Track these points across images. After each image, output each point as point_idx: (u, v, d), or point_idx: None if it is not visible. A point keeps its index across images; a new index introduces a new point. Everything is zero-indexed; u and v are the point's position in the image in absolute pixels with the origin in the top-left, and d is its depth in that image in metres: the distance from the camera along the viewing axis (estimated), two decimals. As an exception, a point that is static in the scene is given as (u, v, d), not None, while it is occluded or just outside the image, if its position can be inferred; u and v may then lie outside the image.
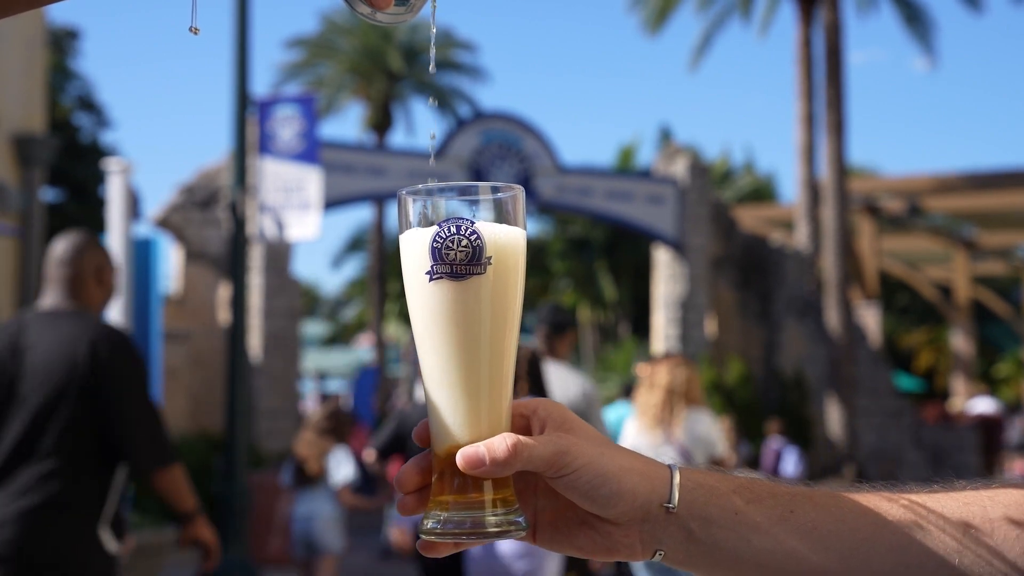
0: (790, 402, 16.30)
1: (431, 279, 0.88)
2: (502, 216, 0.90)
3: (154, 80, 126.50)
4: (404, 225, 0.92)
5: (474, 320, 0.89)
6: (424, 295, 0.89)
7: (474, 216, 0.89)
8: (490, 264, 0.88)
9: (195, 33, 0.88)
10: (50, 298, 3.61)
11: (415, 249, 0.89)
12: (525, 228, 0.92)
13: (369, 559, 11.18)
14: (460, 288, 0.88)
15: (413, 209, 0.91)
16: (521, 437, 0.89)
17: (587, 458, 0.89)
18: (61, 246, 3.63)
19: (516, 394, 3.58)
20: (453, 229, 0.88)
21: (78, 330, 3.50)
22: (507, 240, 0.90)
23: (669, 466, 0.93)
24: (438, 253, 0.88)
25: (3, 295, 11.75)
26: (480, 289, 0.88)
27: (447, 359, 0.90)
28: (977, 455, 16.93)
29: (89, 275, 3.63)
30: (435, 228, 0.88)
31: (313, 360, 30.95)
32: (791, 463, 13.46)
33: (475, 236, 0.88)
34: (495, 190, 0.90)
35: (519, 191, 0.92)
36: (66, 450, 3.41)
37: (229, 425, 8.35)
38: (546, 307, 6.21)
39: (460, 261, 0.88)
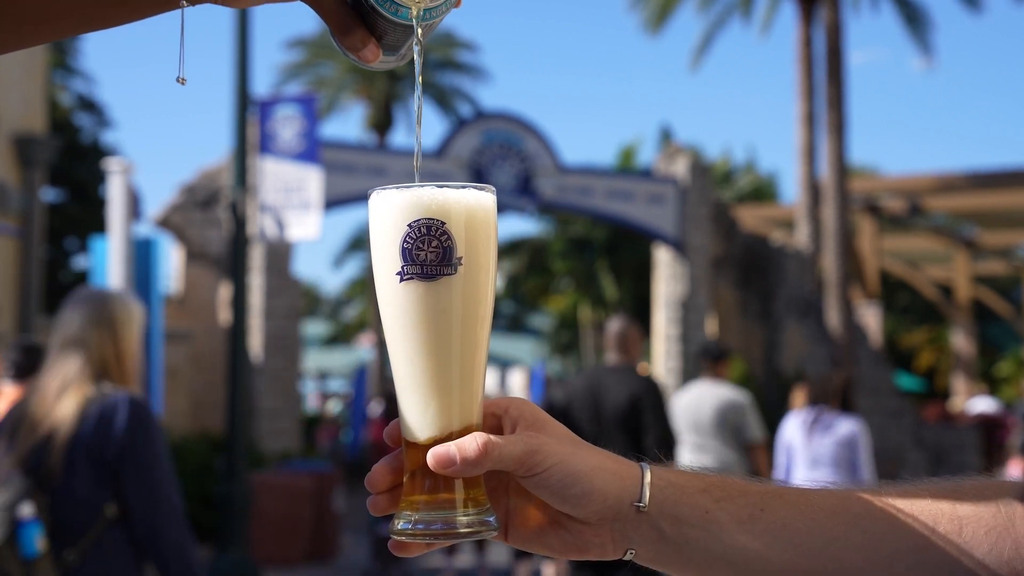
0: (791, 402, 16.29)
1: (402, 280, 0.88)
2: None
3: (154, 80, 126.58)
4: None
5: (445, 320, 0.89)
6: (395, 295, 0.89)
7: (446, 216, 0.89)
8: (461, 264, 0.88)
9: (182, 83, 0.89)
10: (612, 356, 6.02)
11: (386, 249, 0.89)
12: (496, 227, 0.92)
13: (368, 557, 11.19)
14: (431, 288, 0.88)
15: None
16: (492, 436, 0.89)
17: (558, 457, 0.89)
18: (616, 325, 6.05)
19: (826, 410, 5.45)
20: (424, 230, 0.88)
21: (631, 376, 5.88)
22: (478, 239, 0.90)
23: (640, 465, 0.94)
24: (408, 253, 0.88)
25: (4, 295, 11.76)
26: (451, 289, 0.88)
27: (418, 359, 0.90)
28: (978, 455, 16.91)
29: (632, 342, 6.01)
30: (406, 228, 0.88)
31: (314, 360, 30.95)
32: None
33: (445, 236, 0.88)
34: (466, 188, 0.91)
35: (490, 190, 0.92)
36: (632, 441, 5.59)
37: (230, 425, 8.35)
38: (707, 342, 8.65)
39: (430, 262, 0.88)
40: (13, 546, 2.95)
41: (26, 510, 2.98)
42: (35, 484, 3.02)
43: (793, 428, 7.07)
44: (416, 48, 0.90)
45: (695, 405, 7.32)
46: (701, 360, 7.81)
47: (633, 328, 6.09)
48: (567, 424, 3.83)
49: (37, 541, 2.97)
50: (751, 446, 7.21)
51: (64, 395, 3.11)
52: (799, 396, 8.28)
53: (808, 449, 6.87)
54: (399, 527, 0.90)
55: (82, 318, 3.19)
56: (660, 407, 5.84)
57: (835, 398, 6.92)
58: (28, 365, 4.36)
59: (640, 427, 5.74)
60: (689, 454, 7.15)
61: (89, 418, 3.07)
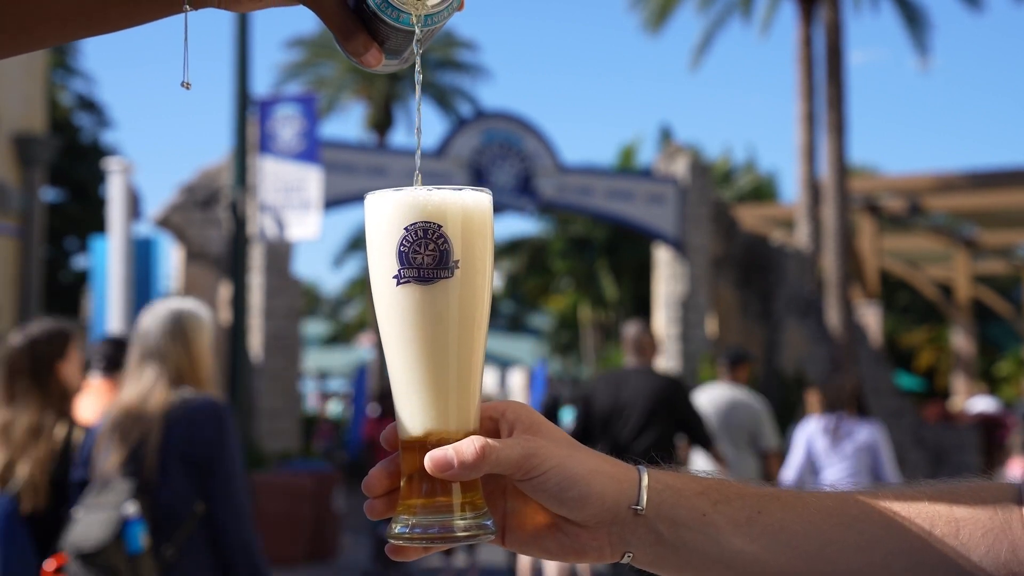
0: (791, 402, 16.30)
1: (398, 283, 0.88)
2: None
3: (154, 80, 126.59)
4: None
5: (441, 323, 0.88)
6: (391, 299, 0.89)
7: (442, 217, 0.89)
8: (458, 267, 0.88)
9: (187, 88, 0.89)
10: (631, 359, 6.41)
11: (382, 253, 0.89)
12: (493, 229, 0.92)
13: (368, 558, 11.18)
14: (427, 292, 0.88)
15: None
16: (489, 440, 0.88)
17: (556, 460, 0.89)
18: (632, 330, 6.45)
19: (845, 416, 5.69)
20: (420, 233, 0.87)
21: (652, 376, 6.28)
22: (475, 242, 0.89)
23: (637, 468, 0.94)
24: (405, 257, 0.87)
25: (4, 295, 11.76)
26: (448, 292, 0.88)
27: (415, 362, 0.89)
28: (978, 455, 16.91)
29: (648, 345, 6.40)
30: (402, 232, 0.88)
31: (314, 360, 30.93)
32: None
33: (442, 240, 0.87)
34: (463, 191, 0.90)
35: (487, 192, 0.92)
36: (658, 439, 5.98)
37: (229, 425, 8.34)
38: (727, 348, 8.94)
39: (427, 265, 0.87)
40: (120, 543, 3.25)
41: (131, 509, 3.28)
42: (136, 486, 3.33)
43: (814, 432, 7.22)
44: (417, 53, 0.90)
45: (711, 409, 7.38)
46: (720, 364, 8.02)
47: (647, 332, 6.50)
48: (587, 423, 3.98)
49: (141, 538, 3.27)
50: (766, 454, 7.29)
51: (147, 402, 3.42)
52: (813, 401, 8.34)
53: (832, 456, 7.06)
54: (396, 531, 0.89)
55: (157, 331, 3.52)
56: (690, 405, 6.21)
57: (851, 404, 7.12)
58: (118, 358, 4.53)
59: (662, 425, 6.05)
60: (705, 459, 7.17)
61: (176, 422, 3.38)
